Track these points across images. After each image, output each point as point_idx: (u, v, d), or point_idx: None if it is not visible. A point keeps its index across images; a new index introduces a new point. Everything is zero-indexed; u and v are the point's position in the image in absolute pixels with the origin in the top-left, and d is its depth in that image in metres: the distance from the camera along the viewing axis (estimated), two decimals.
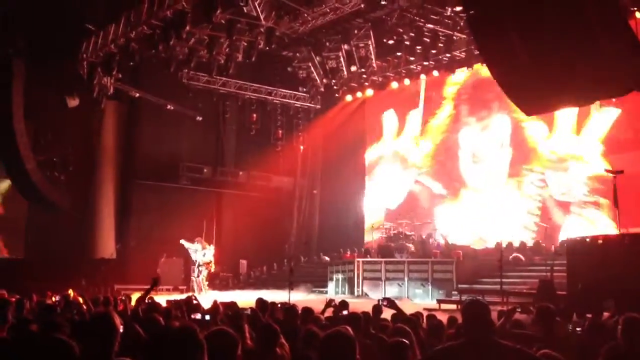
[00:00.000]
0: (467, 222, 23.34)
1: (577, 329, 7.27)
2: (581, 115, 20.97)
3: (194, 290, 20.72)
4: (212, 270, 22.30)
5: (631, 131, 19.94)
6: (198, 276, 21.70)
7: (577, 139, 21.32)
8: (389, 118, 27.49)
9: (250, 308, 8.77)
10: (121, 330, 3.80)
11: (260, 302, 9.29)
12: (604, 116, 20.47)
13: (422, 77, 24.44)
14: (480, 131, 24.23)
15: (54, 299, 12.88)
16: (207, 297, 15.25)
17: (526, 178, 22.41)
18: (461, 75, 24.08)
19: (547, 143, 22.10)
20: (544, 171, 21.96)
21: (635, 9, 16.92)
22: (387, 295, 14.14)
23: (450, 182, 24.90)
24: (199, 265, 21.66)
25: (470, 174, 24.32)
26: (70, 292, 13.63)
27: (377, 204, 27.19)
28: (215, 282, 24.21)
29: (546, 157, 22.02)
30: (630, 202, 15.50)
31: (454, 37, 21.16)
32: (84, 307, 9.26)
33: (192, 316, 8.10)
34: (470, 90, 24.56)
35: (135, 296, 12.19)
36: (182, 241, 21.80)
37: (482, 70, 21.11)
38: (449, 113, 25.45)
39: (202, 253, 21.79)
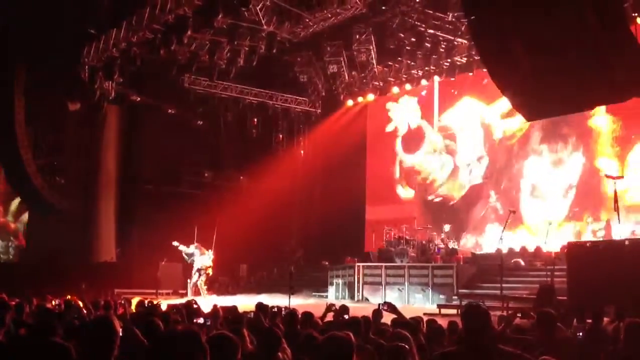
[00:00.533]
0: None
1: (578, 334, 7.26)
2: None
3: (198, 294, 20.72)
4: (210, 274, 22.27)
5: None
6: (197, 280, 21.69)
7: None
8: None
9: (251, 312, 8.77)
10: (121, 334, 3.80)
11: (260, 306, 9.29)
12: None
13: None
14: (550, 165, 22.24)
15: (53, 302, 12.87)
16: (206, 302, 15.21)
17: (588, 227, 20.43)
18: None
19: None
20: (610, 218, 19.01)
21: (637, 14, 16.97)
22: (388, 301, 14.12)
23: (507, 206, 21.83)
24: (198, 270, 21.65)
25: (527, 207, 22.36)
26: (68, 297, 13.60)
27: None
28: (215, 286, 24.19)
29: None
30: None
31: (455, 42, 21.21)
32: (84, 311, 9.26)
33: (195, 320, 8.08)
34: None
35: (135, 300, 12.19)
36: (175, 243, 21.75)
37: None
38: (518, 128, 23.10)
39: (201, 258, 21.78)
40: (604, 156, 20.77)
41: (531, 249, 19.92)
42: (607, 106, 19.36)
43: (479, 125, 24.01)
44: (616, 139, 20.59)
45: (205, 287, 21.75)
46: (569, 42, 6.38)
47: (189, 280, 21.88)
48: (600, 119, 20.85)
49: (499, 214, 22.71)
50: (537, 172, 22.45)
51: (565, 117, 19.47)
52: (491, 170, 23.77)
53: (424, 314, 11.86)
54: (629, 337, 5.09)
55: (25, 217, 26.84)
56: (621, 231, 15.37)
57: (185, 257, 21.95)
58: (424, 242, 22.12)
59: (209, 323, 7.79)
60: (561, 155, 21.93)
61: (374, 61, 23.57)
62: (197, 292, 21.10)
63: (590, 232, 20.22)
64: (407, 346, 4.86)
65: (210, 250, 22.00)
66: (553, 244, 17.66)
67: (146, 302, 11.56)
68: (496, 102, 22.70)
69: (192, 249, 21.80)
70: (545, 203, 21.94)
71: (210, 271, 21.91)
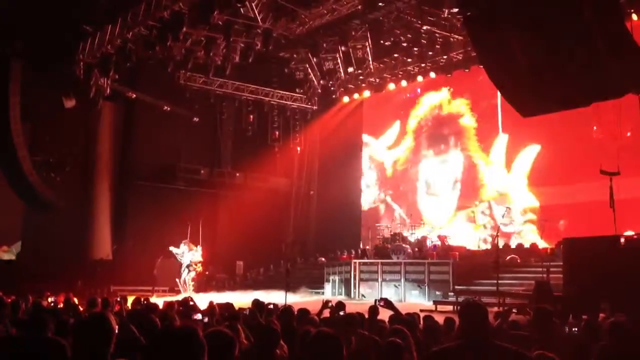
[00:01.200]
0: None
1: (574, 329, 7.28)
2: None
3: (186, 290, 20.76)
4: (199, 270, 22.22)
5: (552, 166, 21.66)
6: (186, 277, 21.72)
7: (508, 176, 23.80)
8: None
9: (247, 309, 8.77)
10: (117, 331, 3.79)
11: (257, 303, 9.28)
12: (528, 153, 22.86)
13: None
14: (437, 164, 26.25)
15: (49, 300, 12.86)
16: (198, 298, 15.20)
17: (477, 208, 24.34)
18: (422, 109, 26.53)
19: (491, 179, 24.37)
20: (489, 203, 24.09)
21: (632, 10, 16.99)
22: (384, 297, 14.13)
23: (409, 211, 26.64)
24: (187, 266, 21.62)
25: (425, 205, 26.32)
26: (61, 297, 13.57)
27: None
28: (212, 283, 24.20)
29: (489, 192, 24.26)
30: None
31: (451, 39, 21.21)
32: (80, 308, 9.25)
33: (193, 317, 8.07)
34: (430, 124, 26.73)
35: (131, 298, 12.19)
36: (171, 248, 21.81)
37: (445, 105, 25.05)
38: (409, 145, 27.34)
39: (190, 254, 21.78)
40: (475, 151, 25.05)
41: (436, 240, 22.49)
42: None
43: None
44: (479, 136, 24.98)
45: (193, 283, 21.69)
46: (566, 40, 6.39)
47: (177, 280, 21.90)
48: (466, 118, 25.38)
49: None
50: (428, 172, 26.63)
51: (445, 119, 25.79)
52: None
53: (420, 310, 11.88)
54: (614, 335, 5.12)
55: None
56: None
57: (177, 256, 21.99)
58: (419, 238, 22.16)
59: (206, 320, 7.79)
60: (444, 154, 26.14)
61: (370, 58, 23.55)
62: (184, 288, 21.13)
63: (480, 213, 24.29)
64: (404, 343, 4.86)
65: (198, 246, 21.98)
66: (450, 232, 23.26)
67: (142, 299, 11.57)
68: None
69: (181, 247, 21.82)
70: (438, 198, 26.02)
71: (199, 267, 21.85)
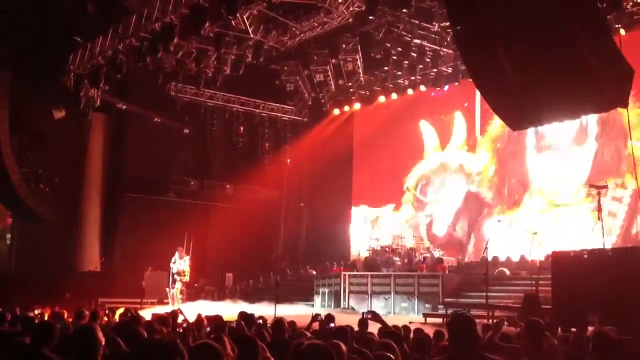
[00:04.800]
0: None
1: (562, 343, 7.29)
2: None
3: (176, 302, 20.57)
4: (185, 280, 22.00)
5: None
6: (172, 288, 21.54)
7: None
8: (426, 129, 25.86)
9: (235, 321, 8.74)
10: (103, 344, 3.77)
11: (243, 315, 9.25)
12: None
13: None
14: None
15: (35, 312, 12.77)
16: (187, 310, 15.12)
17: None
18: None
19: None
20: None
21: (620, 26, 17.18)
22: (374, 309, 14.11)
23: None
24: (172, 275, 21.44)
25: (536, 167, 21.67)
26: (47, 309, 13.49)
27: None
28: (201, 295, 24.07)
29: None
30: None
31: (441, 52, 21.32)
32: (68, 320, 9.18)
33: (179, 330, 8.03)
34: None
35: (119, 310, 12.12)
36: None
37: None
38: None
39: (179, 263, 21.61)
40: None
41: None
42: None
43: None
44: None
45: (181, 296, 21.48)
46: (555, 55, 6.44)
47: (167, 289, 21.70)
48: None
49: None
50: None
51: None
52: None
53: (410, 322, 11.88)
54: (596, 347, 5.14)
55: None
56: None
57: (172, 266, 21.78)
58: (409, 251, 22.17)
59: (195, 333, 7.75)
60: None
61: (361, 70, 23.65)
62: (172, 300, 20.93)
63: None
64: (392, 356, 4.86)
65: (186, 256, 21.84)
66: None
67: (128, 312, 11.50)
68: None
69: (175, 255, 21.68)
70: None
71: (185, 278, 21.60)
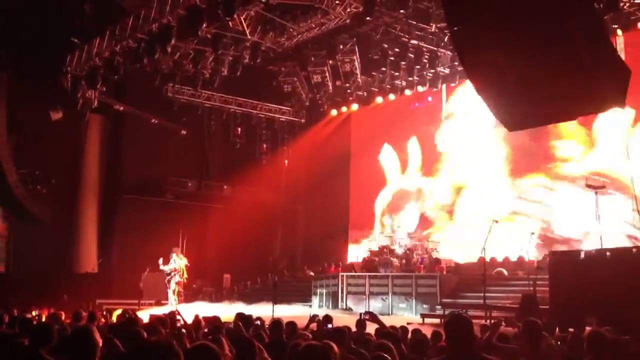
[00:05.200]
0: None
1: (559, 343, 7.30)
2: None
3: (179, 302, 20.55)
4: (181, 280, 21.94)
5: None
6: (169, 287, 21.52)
7: None
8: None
9: (233, 322, 8.73)
10: (101, 345, 3.77)
11: (241, 316, 9.23)
12: None
13: None
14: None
15: (33, 313, 12.76)
16: (185, 311, 15.10)
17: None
18: None
19: None
20: None
21: (617, 26, 17.22)
22: (371, 310, 14.11)
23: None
24: (167, 275, 21.39)
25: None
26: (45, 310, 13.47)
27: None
28: (199, 296, 24.05)
29: None
30: None
31: (438, 53, 21.34)
32: (66, 321, 9.16)
33: (176, 332, 8.01)
34: None
35: (117, 312, 12.11)
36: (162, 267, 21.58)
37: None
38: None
39: (175, 261, 21.56)
40: None
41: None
42: None
43: None
44: None
45: (175, 297, 21.40)
46: (552, 55, 6.45)
47: (168, 290, 21.66)
48: None
49: None
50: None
51: None
52: None
53: (408, 323, 11.87)
54: (591, 346, 5.14)
55: None
56: None
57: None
58: (407, 251, 22.17)
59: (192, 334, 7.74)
60: None
61: (358, 71, 23.66)
62: (179, 299, 20.89)
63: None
64: (390, 357, 4.86)
65: (181, 255, 21.79)
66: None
67: (126, 314, 11.48)
68: None
69: (172, 256, 21.62)
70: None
71: (177, 277, 21.52)
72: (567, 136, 21.07)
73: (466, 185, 23.81)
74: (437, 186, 24.77)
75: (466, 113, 23.78)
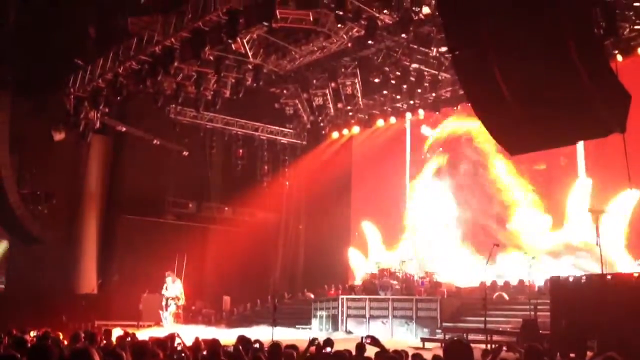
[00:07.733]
0: None
1: None
2: None
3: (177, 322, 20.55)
4: (179, 304, 21.98)
5: None
6: (166, 310, 21.51)
7: None
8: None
9: (233, 346, 8.68)
10: None
11: (242, 339, 9.19)
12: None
13: None
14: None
15: (31, 334, 12.69)
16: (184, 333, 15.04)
17: None
18: None
19: None
20: None
21: (617, 51, 17.33)
22: (371, 334, 14.03)
23: None
24: (167, 299, 21.40)
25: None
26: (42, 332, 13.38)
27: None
28: (198, 318, 23.92)
29: None
30: None
31: (439, 77, 21.42)
32: (64, 342, 9.12)
33: (175, 356, 7.97)
34: None
35: (116, 332, 12.04)
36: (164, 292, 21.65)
37: None
38: None
39: (173, 287, 21.59)
40: None
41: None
42: None
43: None
44: None
45: (173, 319, 21.39)
46: (553, 81, 6.49)
47: (161, 312, 21.66)
48: None
49: None
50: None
51: None
52: None
53: (408, 347, 11.80)
54: None
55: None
56: None
57: (164, 291, 21.81)
58: (407, 274, 22.10)
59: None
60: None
61: (359, 94, 23.74)
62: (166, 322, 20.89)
63: None
64: None
65: (178, 280, 21.83)
66: None
67: (127, 335, 11.42)
68: None
69: (167, 280, 21.67)
70: None
71: (180, 301, 21.60)
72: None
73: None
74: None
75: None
